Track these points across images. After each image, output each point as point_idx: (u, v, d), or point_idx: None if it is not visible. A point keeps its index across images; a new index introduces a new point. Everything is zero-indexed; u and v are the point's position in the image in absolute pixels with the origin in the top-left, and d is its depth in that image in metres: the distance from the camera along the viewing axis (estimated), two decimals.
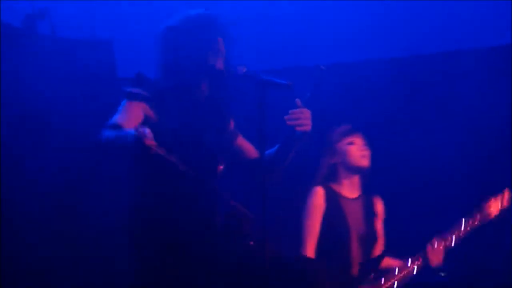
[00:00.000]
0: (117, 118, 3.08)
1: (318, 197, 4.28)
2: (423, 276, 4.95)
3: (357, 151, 4.35)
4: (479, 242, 5.28)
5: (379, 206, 4.48)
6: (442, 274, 4.95)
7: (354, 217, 4.31)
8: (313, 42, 5.55)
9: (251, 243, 3.14)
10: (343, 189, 4.37)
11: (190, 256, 3.11)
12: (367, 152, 4.34)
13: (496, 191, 4.54)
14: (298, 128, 3.13)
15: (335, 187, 4.36)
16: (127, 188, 3.21)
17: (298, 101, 3.13)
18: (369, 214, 4.39)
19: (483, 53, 5.62)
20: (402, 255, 4.47)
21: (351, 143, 4.37)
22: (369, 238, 4.33)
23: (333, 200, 4.29)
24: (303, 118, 3.12)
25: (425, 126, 5.61)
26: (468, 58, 5.62)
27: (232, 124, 3.39)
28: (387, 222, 4.57)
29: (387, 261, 4.35)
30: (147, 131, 2.79)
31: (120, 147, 2.92)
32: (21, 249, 4.87)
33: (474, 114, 5.55)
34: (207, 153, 3.20)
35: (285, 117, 3.16)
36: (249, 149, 3.39)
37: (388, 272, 4.29)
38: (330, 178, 4.38)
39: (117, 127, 3.00)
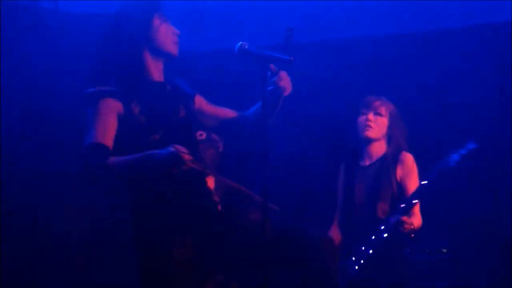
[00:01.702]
0: (96, 136, 3.05)
1: (340, 172, 4.63)
2: (425, 253, 4.99)
3: (363, 121, 4.51)
4: (481, 222, 5.32)
5: (404, 162, 4.48)
6: (444, 251, 4.97)
7: (362, 183, 4.47)
8: (320, 18, 5.55)
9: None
10: (362, 159, 4.57)
11: (194, 238, 3.13)
12: (372, 123, 4.48)
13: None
14: (284, 93, 3.17)
15: (359, 159, 4.59)
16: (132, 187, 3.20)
17: (272, 66, 3.14)
18: (382, 176, 4.44)
19: (483, 30, 5.62)
20: None
21: (362, 114, 4.54)
22: (374, 200, 4.40)
23: (350, 172, 4.55)
24: (285, 81, 3.16)
25: (422, 104, 5.63)
26: (467, 35, 5.63)
27: (196, 100, 3.40)
28: None
29: None
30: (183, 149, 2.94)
31: (148, 169, 3.00)
32: (21, 248, 4.88)
33: (472, 93, 5.56)
34: (183, 132, 3.23)
35: (269, 88, 3.16)
36: (224, 111, 3.45)
37: None
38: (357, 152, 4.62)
39: (106, 149, 3.02)
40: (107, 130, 3.07)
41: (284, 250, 3.03)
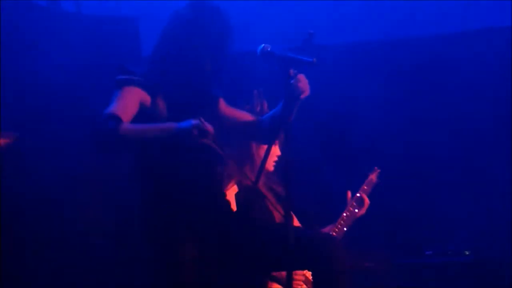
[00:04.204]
0: (116, 109, 3.06)
1: None
2: (448, 255, 4.98)
3: (272, 156, 4.10)
4: (504, 223, 5.31)
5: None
6: (467, 253, 4.96)
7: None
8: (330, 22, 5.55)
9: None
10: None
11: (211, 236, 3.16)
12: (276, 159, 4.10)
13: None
14: (302, 96, 3.14)
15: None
16: (139, 181, 3.21)
17: (291, 70, 3.13)
18: None
19: (483, 35, 5.62)
20: None
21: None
22: None
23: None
24: (303, 84, 3.14)
25: (422, 110, 5.66)
26: (467, 40, 5.63)
27: (221, 102, 3.41)
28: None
29: None
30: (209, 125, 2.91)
31: (165, 135, 2.98)
32: (21, 249, 4.86)
33: (473, 97, 5.56)
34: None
35: (287, 88, 3.12)
36: (241, 114, 3.44)
37: None
38: None
39: (120, 120, 3.01)
40: (126, 108, 3.08)
41: (294, 251, 3.01)
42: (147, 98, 3.15)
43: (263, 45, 3.13)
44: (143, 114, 3.12)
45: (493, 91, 5.56)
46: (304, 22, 5.42)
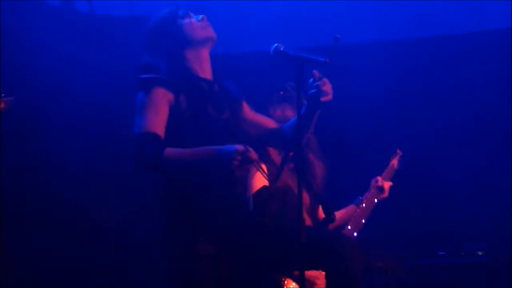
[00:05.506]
0: (149, 125, 3.06)
1: None
2: (461, 255, 4.97)
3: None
4: None
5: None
6: (480, 253, 4.95)
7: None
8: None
9: None
10: None
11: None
12: None
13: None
14: (324, 99, 3.14)
15: None
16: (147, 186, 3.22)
17: (316, 72, 3.13)
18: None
19: (483, 37, 5.61)
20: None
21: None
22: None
23: None
24: (327, 87, 3.14)
25: (425, 110, 5.65)
26: (467, 41, 5.62)
27: (244, 106, 3.40)
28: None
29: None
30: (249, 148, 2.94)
31: (209, 163, 3.01)
32: (24, 249, 4.90)
33: (474, 98, 5.57)
34: (224, 133, 3.22)
35: (312, 92, 3.14)
36: (265, 120, 3.44)
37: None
38: None
39: (159, 138, 3.02)
40: (159, 119, 3.08)
41: (310, 251, 3.00)
42: (171, 98, 3.15)
43: (276, 44, 3.13)
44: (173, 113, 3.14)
45: (494, 93, 5.56)
46: (316, 22, 5.44)
